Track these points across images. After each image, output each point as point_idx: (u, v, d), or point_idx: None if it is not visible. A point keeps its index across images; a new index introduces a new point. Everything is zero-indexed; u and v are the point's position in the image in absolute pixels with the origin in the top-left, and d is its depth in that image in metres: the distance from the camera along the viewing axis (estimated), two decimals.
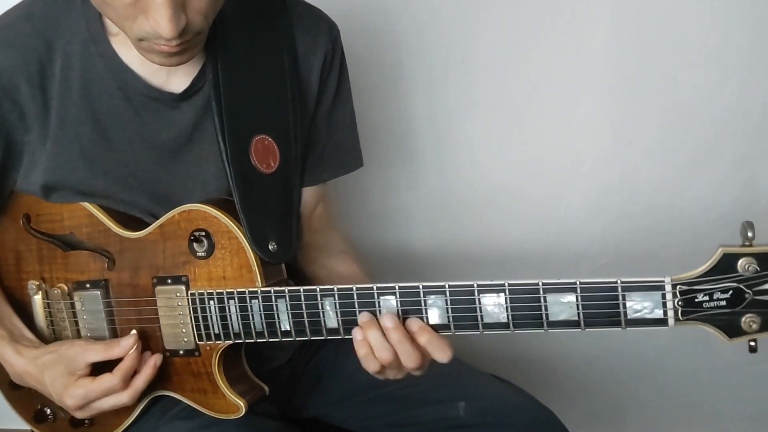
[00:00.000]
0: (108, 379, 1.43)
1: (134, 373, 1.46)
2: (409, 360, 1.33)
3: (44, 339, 1.60)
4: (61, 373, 1.47)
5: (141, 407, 1.56)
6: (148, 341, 1.50)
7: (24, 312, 1.62)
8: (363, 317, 1.35)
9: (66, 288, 1.57)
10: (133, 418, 1.57)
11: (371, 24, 2.16)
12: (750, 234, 1.16)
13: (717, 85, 2.20)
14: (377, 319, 1.34)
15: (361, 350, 1.36)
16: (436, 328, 1.32)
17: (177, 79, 1.51)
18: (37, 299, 1.60)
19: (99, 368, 1.46)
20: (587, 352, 2.40)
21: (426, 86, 2.25)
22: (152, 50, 1.33)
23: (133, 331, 1.49)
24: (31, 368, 1.51)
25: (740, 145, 2.24)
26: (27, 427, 1.72)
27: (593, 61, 2.20)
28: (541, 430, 1.63)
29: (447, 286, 1.29)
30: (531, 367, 2.36)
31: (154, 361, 1.47)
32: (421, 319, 1.32)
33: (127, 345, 1.46)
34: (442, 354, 1.33)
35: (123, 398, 1.45)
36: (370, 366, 1.38)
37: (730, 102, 2.21)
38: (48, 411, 1.66)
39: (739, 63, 2.18)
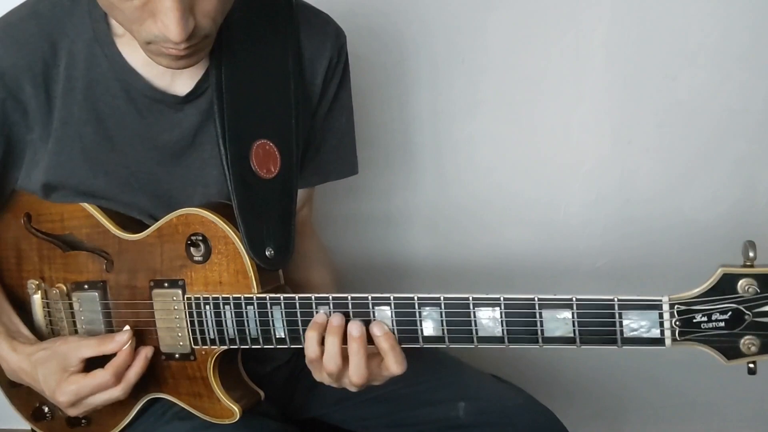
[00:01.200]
0: (100, 375, 1.42)
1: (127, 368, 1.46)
2: (357, 375, 1.34)
3: (43, 338, 1.60)
4: (54, 370, 1.46)
5: (137, 407, 1.56)
6: (145, 344, 1.50)
7: (24, 310, 1.62)
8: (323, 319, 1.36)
9: (65, 288, 1.57)
10: (130, 418, 1.57)
11: (371, 24, 2.15)
12: (752, 254, 1.13)
13: (717, 85, 2.20)
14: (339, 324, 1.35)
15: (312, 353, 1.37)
16: (430, 340, 1.32)
17: (181, 82, 1.51)
18: (36, 298, 1.60)
19: (92, 365, 1.45)
20: (587, 353, 2.39)
21: (426, 87, 2.25)
22: (160, 53, 1.32)
23: (127, 327, 1.48)
24: (25, 365, 1.51)
25: (740, 145, 2.24)
26: (27, 426, 1.72)
27: (593, 61, 2.19)
28: (541, 430, 1.62)
29: (442, 298, 1.28)
30: (531, 368, 2.35)
31: (145, 353, 1.47)
32: (416, 330, 1.32)
33: (121, 340, 1.45)
34: (399, 366, 1.34)
35: (116, 393, 1.44)
36: (315, 374, 1.41)
37: (730, 102, 2.20)
38: (46, 409, 1.65)
39: (739, 63, 2.18)
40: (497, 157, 2.28)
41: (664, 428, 2.54)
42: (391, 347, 1.32)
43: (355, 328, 1.32)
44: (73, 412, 1.49)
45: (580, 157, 2.26)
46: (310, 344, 1.35)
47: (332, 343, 1.33)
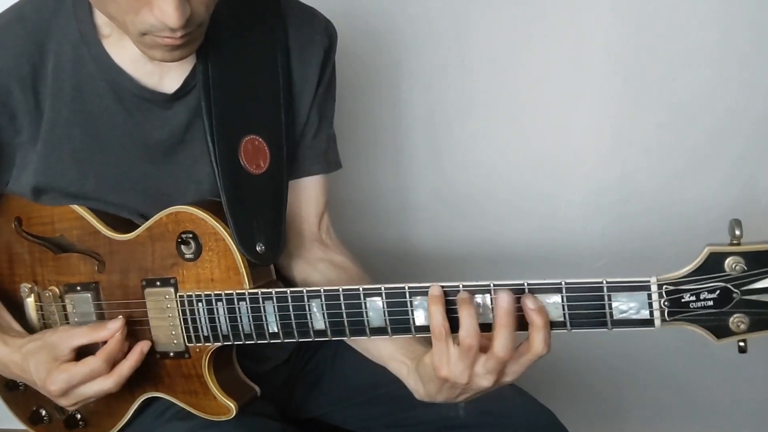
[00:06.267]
0: (91, 362, 1.41)
1: (119, 360, 1.44)
2: (505, 349, 1.21)
3: None
4: (44, 360, 1.45)
5: (134, 407, 1.56)
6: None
7: (17, 313, 1.62)
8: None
9: (57, 290, 1.57)
10: (127, 418, 1.57)
11: (371, 25, 2.16)
12: (738, 232, 1.12)
13: (717, 85, 2.20)
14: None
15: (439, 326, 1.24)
16: (422, 329, 1.29)
17: (169, 80, 1.51)
18: (30, 301, 1.59)
19: (84, 356, 1.44)
20: (587, 353, 2.39)
21: (426, 87, 2.26)
22: (155, 45, 1.31)
23: (120, 316, 1.47)
24: (16, 357, 1.49)
25: (740, 145, 2.24)
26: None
27: (593, 61, 2.20)
28: (541, 430, 1.62)
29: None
30: (531, 367, 2.35)
31: (140, 347, 1.45)
32: (408, 320, 1.29)
33: (113, 327, 1.44)
34: (547, 345, 1.22)
35: (107, 384, 1.42)
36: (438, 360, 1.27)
37: (730, 102, 2.21)
38: (43, 412, 1.66)
39: (739, 63, 2.18)
40: (498, 156, 2.29)
41: (664, 428, 2.54)
42: (545, 324, 1.21)
43: (506, 299, 1.20)
44: (64, 403, 1.47)
45: (580, 156, 2.27)
46: (436, 317, 1.23)
47: (471, 315, 1.22)
